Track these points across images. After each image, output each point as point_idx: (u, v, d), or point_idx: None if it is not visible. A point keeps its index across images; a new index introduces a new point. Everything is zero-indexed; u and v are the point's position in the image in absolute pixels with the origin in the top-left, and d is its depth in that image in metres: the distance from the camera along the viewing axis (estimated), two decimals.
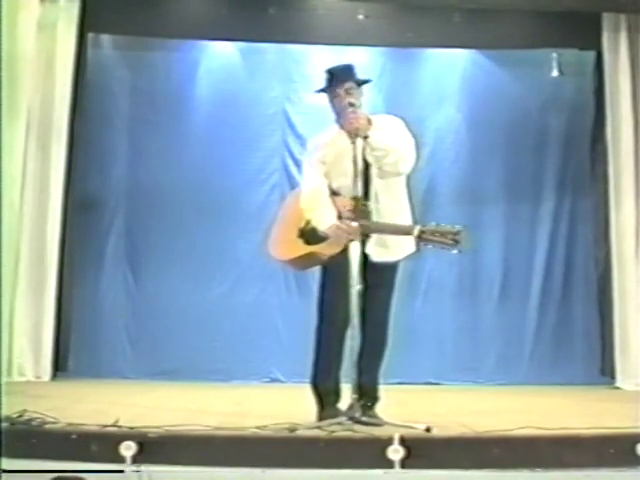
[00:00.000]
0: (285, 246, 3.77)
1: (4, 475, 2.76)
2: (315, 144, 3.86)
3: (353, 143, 3.53)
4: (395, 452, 2.83)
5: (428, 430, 3.13)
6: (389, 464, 2.83)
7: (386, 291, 3.72)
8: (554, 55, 6.94)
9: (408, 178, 3.80)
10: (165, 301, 6.89)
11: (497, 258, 7.07)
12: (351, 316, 3.50)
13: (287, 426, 3.17)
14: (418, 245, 3.72)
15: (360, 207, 3.47)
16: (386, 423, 3.33)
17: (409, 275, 6.83)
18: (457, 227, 3.42)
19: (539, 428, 3.05)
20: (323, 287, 3.75)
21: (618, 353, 6.55)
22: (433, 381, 6.71)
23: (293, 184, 6.04)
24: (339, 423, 3.26)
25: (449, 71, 7.22)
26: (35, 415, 3.15)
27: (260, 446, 2.96)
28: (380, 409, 3.59)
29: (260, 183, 6.86)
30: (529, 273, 7.06)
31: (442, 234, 3.41)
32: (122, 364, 6.73)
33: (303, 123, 6.81)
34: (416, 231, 3.46)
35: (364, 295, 3.40)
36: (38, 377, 6.24)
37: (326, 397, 3.65)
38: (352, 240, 3.44)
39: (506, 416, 4.20)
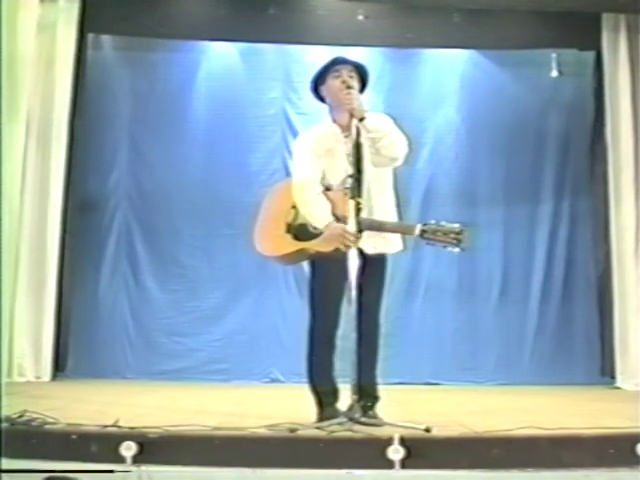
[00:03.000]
0: (272, 241, 3.72)
1: (4, 475, 2.76)
2: (307, 137, 3.83)
3: (347, 136, 3.53)
4: (395, 452, 2.82)
5: (428, 430, 3.13)
6: (389, 464, 2.83)
7: (377, 288, 3.69)
8: (554, 55, 6.95)
9: (395, 176, 3.79)
10: (165, 301, 6.90)
11: (497, 258, 7.07)
12: (341, 314, 3.52)
13: (287, 426, 3.17)
14: (405, 243, 3.71)
15: (355, 203, 3.45)
16: (386, 423, 3.33)
17: (409, 275, 6.88)
18: (458, 226, 3.41)
19: (539, 428, 3.05)
20: (313, 285, 3.72)
21: (618, 353, 6.56)
22: (433, 381, 6.71)
23: None
24: (339, 423, 3.25)
25: (449, 71, 7.23)
26: (35, 415, 3.15)
27: (260, 446, 2.96)
28: (380, 409, 3.59)
29: (260, 184, 6.84)
30: (529, 273, 7.07)
31: (444, 233, 3.39)
32: (122, 364, 6.74)
33: (303, 124, 6.79)
34: (417, 230, 3.45)
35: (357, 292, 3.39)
36: (38, 377, 6.24)
37: (324, 397, 3.64)
38: (350, 243, 3.39)
39: (506, 416, 4.20)
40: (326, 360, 3.66)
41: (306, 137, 3.85)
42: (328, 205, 3.59)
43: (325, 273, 3.63)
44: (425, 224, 3.44)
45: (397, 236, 3.70)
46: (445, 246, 3.40)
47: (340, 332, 3.63)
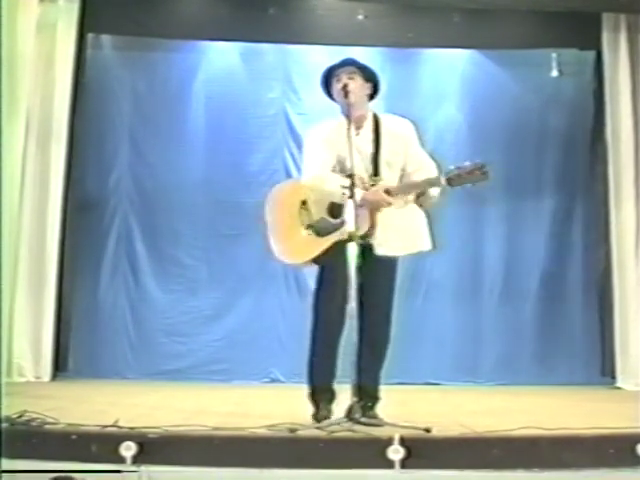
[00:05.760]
0: (298, 247, 3.64)
1: (4, 475, 2.75)
2: (318, 128, 3.84)
3: (358, 133, 3.58)
4: (395, 452, 2.82)
5: (428, 430, 3.13)
6: (389, 464, 2.83)
7: (388, 290, 3.69)
8: (554, 55, 6.95)
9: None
10: (165, 301, 6.90)
11: (497, 258, 7.08)
12: (345, 321, 3.51)
13: (287, 426, 3.17)
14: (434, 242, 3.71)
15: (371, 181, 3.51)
16: (386, 423, 3.33)
17: (409, 275, 6.86)
18: (478, 162, 3.44)
19: (539, 428, 3.05)
20: (319, 287, 3.70)
21: (618, 353, 6.56)
22: (433, 381, 6.71)
23: None
24: (339, 423, 3.25)
25: (449, 71, 7.23)
26: (35, 416, 3.15)
27: (260, 446, 2.96)
28: (380, 409, 3.59)
29: (261, 184, 6.83)
30: (529, 273, 7.07)
31: (470, 172, 3.43)
32: (122, 364, 6.74)
33: (303, 124, 6.80)
34: (443, 180, 3.48)
35: (365, 294, 3.39)
36: (38, 377, 6.24)
37: (321, 396, 3.65)
38: (390, 204, 3.47)
39: (506, 416, 4.20)
40: (327, 365, 3.66)
41: (317, 128, 3.85)
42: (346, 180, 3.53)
43: (331, 281, 3.60)
44: (448, 172, 3.48)
45: (426, 234, 3.70)
46: (475, 184, 3.43)
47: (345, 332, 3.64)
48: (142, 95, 7.03)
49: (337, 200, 3.55)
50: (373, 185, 3.57)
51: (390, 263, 3.69)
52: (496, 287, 7.06)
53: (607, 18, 6.75)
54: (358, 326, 3.33)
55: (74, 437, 2.92)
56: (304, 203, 3.67)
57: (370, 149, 3.64)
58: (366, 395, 3.47)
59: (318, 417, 3.54)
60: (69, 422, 3.13)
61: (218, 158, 7.05)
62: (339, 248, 3.47)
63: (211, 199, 6.96)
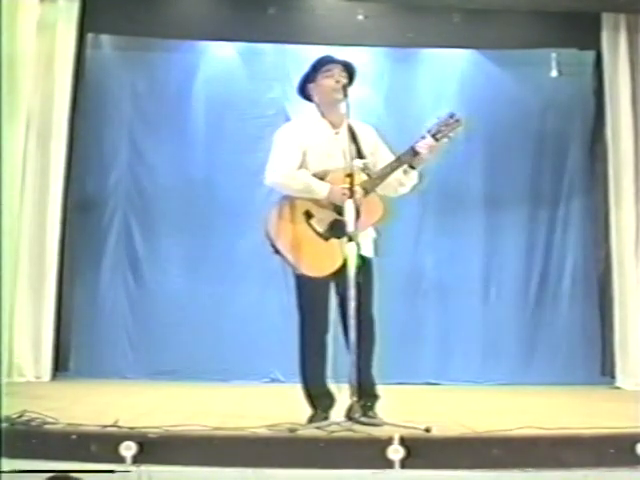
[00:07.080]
0: (327, 258, 3.55)
1: (4, 475, 2.75)
2: (289, 127, 3.86)
3: (337, 132, 3.62)
4: (395, 452, 2.83)
5: (428, 430, 3.13)
6: (389, 464, 2.83)
7: (369, 288, 3.66)
8: (553, 55, 6.94)
9: None
10: (165, 301, 6.90)
11: (497, 258, 7.08)
12: (329, 317, 3.55)
13: (287, 426, 3.17)
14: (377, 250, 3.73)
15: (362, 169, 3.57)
16: (386, 423, 3.33)
17: (409, 275, 6.88)
18: (449, 112, 3.79)
19: (539, 428, 3.05)
20: (301, 291, 3.67)
21: (618, 353, 6.56)
22: (433, 381, 6.71)
23: None
24: (339, 423, 3.25)
25: (449, 71, 7.22)
26: (35, 415, 3.15)
27: (260, 446, 2.95)
28: (380, 409, 3.59)
29: (260, 184, 6.79)
30: (529, 273, 7.07)
31: (446, 124, 3.72)
32: (122, 364, 6.74)
33: None
34: (429, 139, 3.68)
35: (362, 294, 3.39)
36: (38, 377, 6.23)
37: (317, 400, 3.63)
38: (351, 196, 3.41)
39: (506, 416, 4.21)
40: (319, 364, 3.66)
41: (288, 127, 3.87)
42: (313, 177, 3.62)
43: (310, 278, 3.59)
44: (429, 131, 3.71)
45: (369, 242, 3.71)
46: (455, 133, 3.78)
47: (332, 333, 3.64)
48: (142, 95, 7.04)
49: (314, 196, 3.58)
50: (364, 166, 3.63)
51: (371, 263, 3.70)
52: (496, 287, 7.05)
53: (607, 18, 6.75)
54: (355, 326, 3.33)
55: (74, 437, 2.92)
56: (308, 214, 3.64)
57: (353, 149, 3.63)
58: (365, 394, 3.47)
59: (313, 420, 3.52)
60: (69, 422, 3.13)
61: (218, 158, 7.05)
62: None
63: (211, 199, 6.96)
